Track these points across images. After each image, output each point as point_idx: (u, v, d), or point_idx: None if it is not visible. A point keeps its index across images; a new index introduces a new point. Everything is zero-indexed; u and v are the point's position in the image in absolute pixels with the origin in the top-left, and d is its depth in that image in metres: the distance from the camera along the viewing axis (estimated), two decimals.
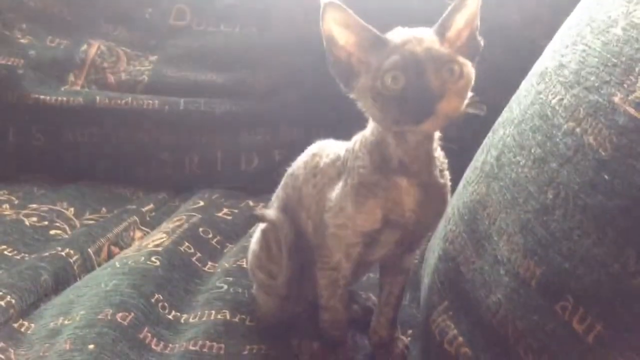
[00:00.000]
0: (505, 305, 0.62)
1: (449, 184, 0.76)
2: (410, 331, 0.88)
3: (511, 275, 0.63)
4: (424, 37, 0.66)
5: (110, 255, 1.08)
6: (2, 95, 1.33)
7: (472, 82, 0.68)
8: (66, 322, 0.85)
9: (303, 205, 0.80)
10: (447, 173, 0.75)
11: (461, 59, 0.66)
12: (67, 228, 1.15)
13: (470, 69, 0.68)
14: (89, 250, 1.06)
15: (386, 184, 0.71)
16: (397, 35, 0.68)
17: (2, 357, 0.79)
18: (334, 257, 0.77)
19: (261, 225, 0.88)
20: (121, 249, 1.10)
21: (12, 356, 0.80)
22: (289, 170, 0.86)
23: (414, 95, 0.64)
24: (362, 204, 0.72)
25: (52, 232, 1.13)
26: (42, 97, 1.32)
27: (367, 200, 0.72)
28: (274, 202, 0.88)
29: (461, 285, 0.71)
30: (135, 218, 1.18)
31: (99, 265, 1.04)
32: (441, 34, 0.67)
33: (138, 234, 1.17)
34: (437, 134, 0.73)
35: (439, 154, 0.74)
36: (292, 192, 0.83)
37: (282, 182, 0.87)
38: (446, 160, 0.75)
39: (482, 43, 0.70)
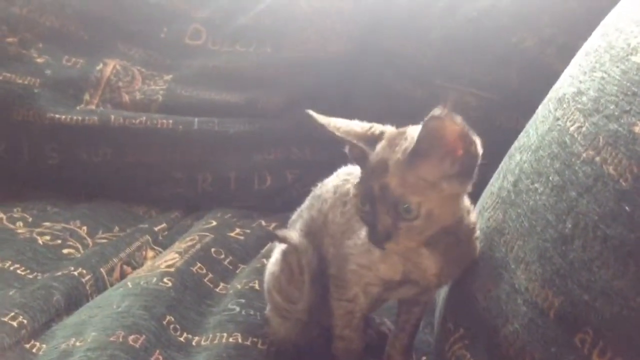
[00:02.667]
0: (523, 336, 0.61)
1: (478, 245, 0.74)
2: (424, 358, 0.87)
3: (529, 305, 0.62)
4: (389, 168, 0.64)
5: (123, 275, 1.08)
6: (17, 114, 1.33)
7: (442, 217, 0.65)
8: (77, 343, 0.84)
9: (327, 231, 0.79)
10: (477, 235, 0.73)
11: (416, 199, 0.63)
12: (80, 247, 1.15)
13: (435, 204, 0.64)
14: (102, 270, 1.06)
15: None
16: (377, 151, 0.67)
17: None
18: (351, 290, 0.76)
19: (281, 246, 0.86)
20: (133, 268, 1.10)
21: None
22: (316, 191, 0.84)
23: (369, 229, 0.67)
24: (387, 255, 0.71)
25: (65, 251, 1.13)
26: (57, 116, 1.33)
27: (391, 253, 0.71)
28: (296, 222, 0.86)
29: (477, 313, 0.70)
30: (148, 237, 1.18)
31: (112, 285, 1.04)
32: (417, 155, 0.63)
33: (150, 253, 1.16)
34: (465, 202, 0.70)
35: (470, 215, 0.71)
36: (318, 215, 0.81)
37: (307, 203, 0.86)
38: (477, 221, 0.73)
39: (478, 158, 0.64)
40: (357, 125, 0.71)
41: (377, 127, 0.70)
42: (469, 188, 0.67)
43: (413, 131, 0.67)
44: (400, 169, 0.64)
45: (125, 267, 1.10)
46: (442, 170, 0.64)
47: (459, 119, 0.62)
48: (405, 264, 0.72)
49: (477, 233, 0.73)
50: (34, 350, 0.85)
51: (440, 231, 0.67)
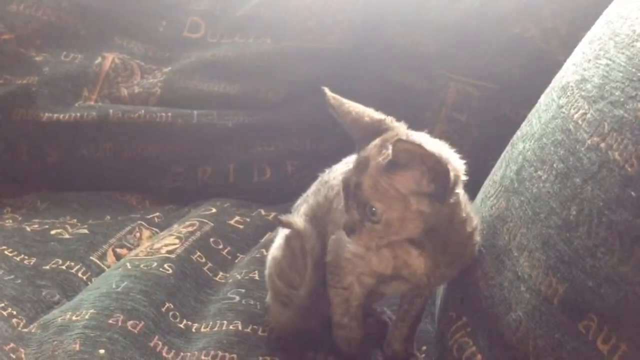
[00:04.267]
0: (526, 323, 0.61)
1: (476, 250, 0.73)
2: (424, 347, 0.87)
3: (532, 292, 0.61)
4: (370, 167, 0.65)
5: (118, 258, 1.07)
6: (16, 115, 1.32)
7: (402, 229, 0.66)
8: (74, 317, 0.84)
9: (331, 218, 0.79)
10: (475, 240, 0.73)
11: (380, 206, 0.64)
12: (69, 227, 1.15)
13: (397, 216, 0.65)
14: (92, 258, 1.05)
15: (395, 244, 0.70)
16: (368, 147, 0.67)
17: (14, 357, 0.78)
18: (346, 278, 0.76)
19: (284, 231, 0.85)
20: (129, 250, 1.10)
21: (23, 356, 0.79)
22: (323, 177, 0.84)
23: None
24: (379, 249, 0.71)
25: (53, 231, 1.12)
26: (56, 115, 1.32)
27: (383, 248, 0.71)
28: (301, 207, 0.85)
29: (479, 301, 0.70)
30: (141, 222, 1.18)
31: (109, 267, 1.04)
32: (395, 165, 0.64)
33: (146, 233, 1.15)
34: (462, 212, 0.69)
35: (467, 224, 0.71)
36: (324, 201, 0.81)
37: (313, 188, 0.85)
38: (477, 227, 0.72)
39: (449, 183, 0.64)
40: (369, 115, 0.70)
41: (388, 123, 0.70)
42: (462, 204, 0.69)
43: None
44: (376, 172, 0.65)
45: (118, 250, 1.09)
46: (417, 186, 0.64)
47: (431, 145, 0.63)
48: (396, 260, 0.72)
49: (477, 239, 0.73)
50: (32, 331, 0.85)
51: (425, 235, 0.68)
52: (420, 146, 0.62)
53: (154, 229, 1.17)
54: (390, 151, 0.64)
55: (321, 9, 1.37)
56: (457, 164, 0.66)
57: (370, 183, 0.65)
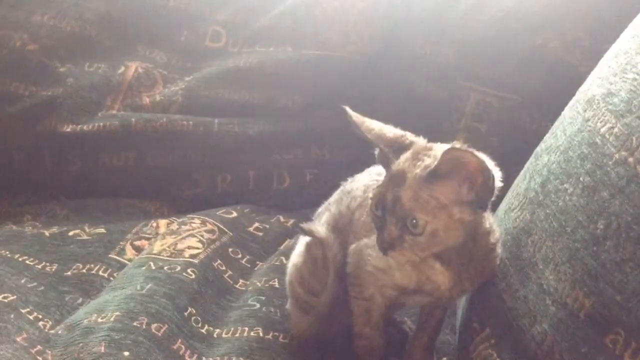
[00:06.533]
0: (552, 336, 0.61)
1: (497, 263, 0.74)
2: (445, 358, 0.87)
3: (558, 305, 0.61)
4: (407, 180, 0.65)
5: (137, 249, 1.09)
6: (40, 125, 1.33)
7: (446, 239, 0.66)
8: (99, 319, 0.85)
9: (352, 229, 0.80)
10: (497, 253, 0.74)
11: (424, 217, 0.64)
12: (87, 228, 1.17)
13: (442, 225, 0.65)
14: (110, 255, 1.07)
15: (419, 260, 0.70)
16: (399, 161, 0.67)
17: (40, 359, 0.80)
18: (368, 290, 0.76)
19: (305, 238, 0.86)
20: (147, 239, 1.11)
21: (49, 357, 0.80)
22: (346, 186, 0.84)
23: (378, 234, 0.67)
24: (402, 263, 0.72)
25: (71, 233, 1.15)
26: (79, 126, 1.33)
27: (406, 262, 0.71)
28: (323, 215, 0.86)
29: (504, 313, 0.70)
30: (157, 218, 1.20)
31: (130, 260, 1.05)
32: (436, 175, 0.64)
33: (163, 221, 1.17)
34: (486, 223, 0.70)
35: (490, 236, 0.72)
36: (346, 211, 0.82)
37: (336, 197, 0.86)
38: (499, 240, 0.73)
39: (494, 191, 0.66)
40: (390, 131, 0.71)
41: (409, 137, 0.71)
42: (485, 215, 0.69)
43: (440, 149, 0.68)
44: (416, 184, 0.65)
45: (136, 243, 1.11)
46: (457, 195, 0.65)
47: (478, 153, 0.64)
48: (419, 275, 0.72)
49: (498, 251, 0.74)
50: (59, 332, 0.86)
51: (453, 248, 0.68)
52: (472, 153, 0.62)
53: (172, 217, 1.18)
54: (429, 162, 0.64)
55: (341, 19, 1.37)
56: (494, 171, 0.66)
57: (410, 195, 0.65)
